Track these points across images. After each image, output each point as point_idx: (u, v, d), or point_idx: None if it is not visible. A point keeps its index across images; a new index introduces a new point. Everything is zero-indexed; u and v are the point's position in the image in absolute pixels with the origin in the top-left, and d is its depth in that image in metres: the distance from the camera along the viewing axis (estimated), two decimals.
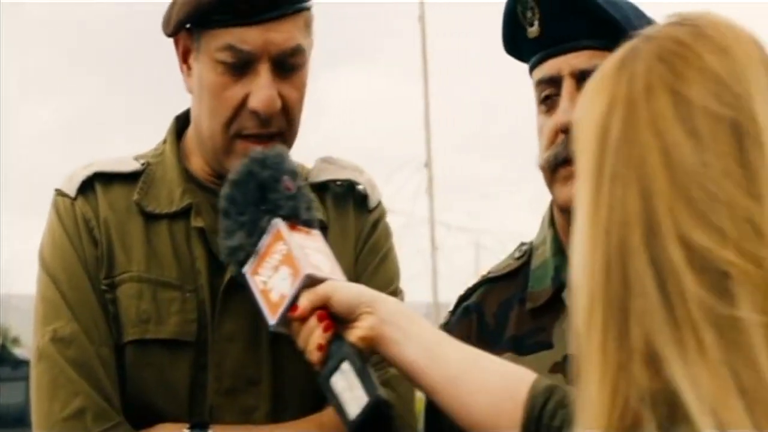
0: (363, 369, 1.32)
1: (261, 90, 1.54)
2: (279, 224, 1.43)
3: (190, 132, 1.69)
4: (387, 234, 1.74)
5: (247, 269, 1.44)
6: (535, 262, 1.72)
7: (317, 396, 1.62)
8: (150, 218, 1.63)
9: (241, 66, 1.55)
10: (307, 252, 1.41)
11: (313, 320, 1.37)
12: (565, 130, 1.57)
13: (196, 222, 1.61)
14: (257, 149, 1.51)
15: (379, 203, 1.74)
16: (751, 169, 0.88)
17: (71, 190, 1.63)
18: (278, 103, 1.56)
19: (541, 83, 1.64)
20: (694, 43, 0.93)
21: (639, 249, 0.87)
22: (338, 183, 1.72)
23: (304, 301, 1.37)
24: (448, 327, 1.76)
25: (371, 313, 1.35)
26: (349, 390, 1.32)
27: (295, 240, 1.41)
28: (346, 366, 1.32)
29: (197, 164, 1.67)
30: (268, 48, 1.54)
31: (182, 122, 1.72)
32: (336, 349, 1.34)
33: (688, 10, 0.99)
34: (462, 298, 1.81)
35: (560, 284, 1.65)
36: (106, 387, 1.56)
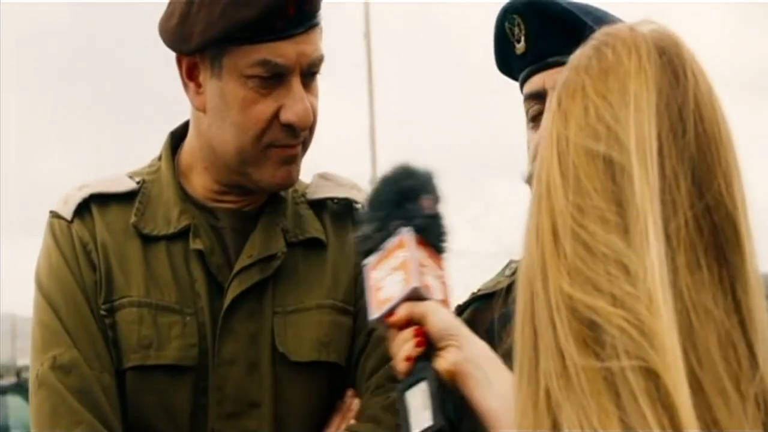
0: (438, 394, 1.32)
1: (296, 103, 1.54)
2: (406, 233, 1.43)
3: (190, 148, 1.66)
4: None
5: (368, 261, 1.45)
6: None
7: (317, 418, 1.62)
8: (148, 240, 1.60)
9: (273, 79, 1.54)
10: (424, 270, 1.41)
11: (409, 332, 1.38)
12: None
13: (195, 244, 1.59)
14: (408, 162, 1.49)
15: None
16: (623, 204, 0.84)
17: (67, 212, 1.60)
18: (311, 116, 1.56)
19: (527, 99, 1.64)
20: (584, 69, 0.89)
21: (540, 294, 0.86)
22: (336, 201, 1.71)
23: (402, 311, 1.38)
24: None
25: (458, 348, 1.35)
26: (420, 409, 1.32)
27: (417, 254, 1.41)
28: (423, 385, 1.33)
29: (197, 182, 1.65)
30: (300, 60, 1.54)
31: (177, 138, 1.69)
32: (420, 367, 1.35)
33: (614, 26, 0.95)
34: None
35: None
36: (108, 414, 1.53)
